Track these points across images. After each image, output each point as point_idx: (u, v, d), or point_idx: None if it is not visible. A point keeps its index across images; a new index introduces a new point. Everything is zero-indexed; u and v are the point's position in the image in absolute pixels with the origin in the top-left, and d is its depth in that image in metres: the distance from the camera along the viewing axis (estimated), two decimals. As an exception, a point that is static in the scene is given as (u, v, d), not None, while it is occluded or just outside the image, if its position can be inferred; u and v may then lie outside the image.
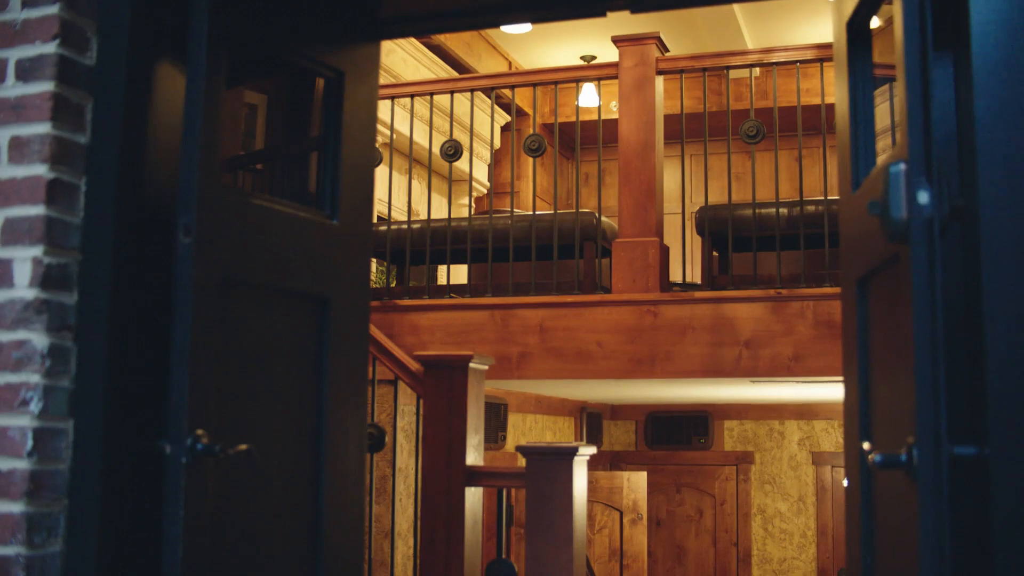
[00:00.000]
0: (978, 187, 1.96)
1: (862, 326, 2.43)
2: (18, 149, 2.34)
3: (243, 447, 2.41)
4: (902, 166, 1.95)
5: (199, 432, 2.30)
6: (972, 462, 1.95)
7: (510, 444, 6.80)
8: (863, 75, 2.55)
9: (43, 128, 2.32)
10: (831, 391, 6.96)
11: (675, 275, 7.63)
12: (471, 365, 4.26)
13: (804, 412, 9.16)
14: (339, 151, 2.84)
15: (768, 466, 9.24)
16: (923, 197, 1.93)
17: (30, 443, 2.25)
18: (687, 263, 5.73)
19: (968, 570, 1.96)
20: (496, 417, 6.59)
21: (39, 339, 2.28)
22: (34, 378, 2.27)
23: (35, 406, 2.27)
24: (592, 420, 8.91)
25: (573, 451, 4.01)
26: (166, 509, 2.28)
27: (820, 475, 9.09)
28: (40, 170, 2.31)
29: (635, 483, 7.80)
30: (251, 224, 2.57)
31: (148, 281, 2.44)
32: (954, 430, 1.98)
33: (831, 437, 9.11)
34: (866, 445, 2.13)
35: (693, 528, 9.31)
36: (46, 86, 2.32)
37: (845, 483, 6.89)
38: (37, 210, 2.30)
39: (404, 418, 5.08)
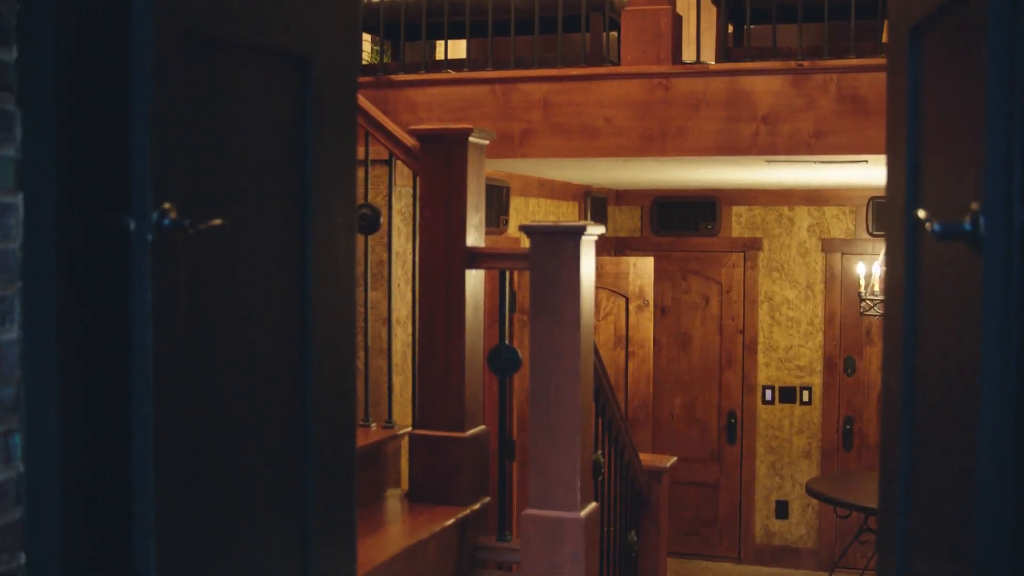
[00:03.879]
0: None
1: (914, 80, 2.14)
2: None
3: (216, 221, 2.16)
4: None
5: (166, 206, 2.05)
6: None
7: (512, 228, 6.58)
8: None
9: None
10: (849, 173, 6.70)
11: (687, 55, 7.27)
12: (471, 139, 3.98)
13: (814, 198, 8.91)
14: None
15: (776, 253, 9.05)
16: (1005, -83, 1.62)
17: (-28, 218, 2.00)
18: (700, 46, 5.37)
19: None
20: (498, 200, 6.35)
21: (-25, 100, 2.00)
22: (-28, 145, 2.00)
23: (-25, 176, 2.00)
24: (596, 205, 8.66)
25: (580, 230, 3.77)
26: (132, 293, 2.06)
27: (829, 262, 8.91)
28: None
29: (641, 269, 7.63)
30: (217, -30, 2.25)
31: (101, 37, 2.14)
32: (1024, 196, 1.72)
33: (841, 224, 8.89)
34: (921, 213, 1.88)
35: (699, 315, 9.19)
36: None
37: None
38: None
39: (401, 200, 4.83)
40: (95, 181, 2.13)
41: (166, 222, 2.05)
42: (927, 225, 1.76)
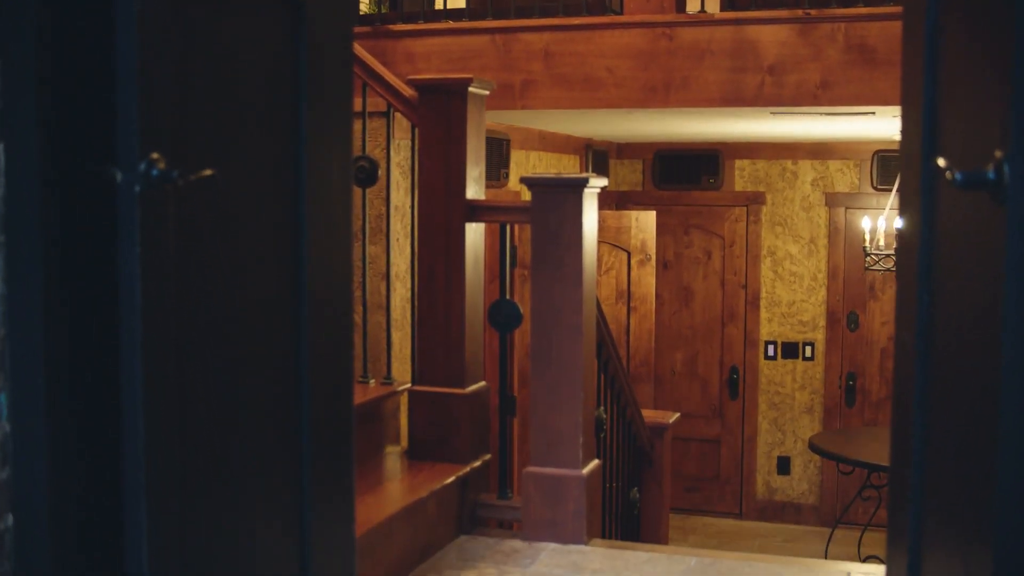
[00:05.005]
0: None
1: (932, 20, 2.05)
2: None
3: (207, 172, 2.08)
4: None
5: (154, 156, 1.97)
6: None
7: (513, 182, 6.49)
8: None
9: None
10: (855, 126, 6.60)
11: (692, 6, 7.15)
12: (471, 89, 3.88)
13: (819, 151, 8.81)
14: None
15: (779, 207, 8.96)
16: None
17: (-50, 169, 1.92)
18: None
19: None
20: (498, 153, 6.25)
21: (-48, 45, 1.91)
22: (-51, 93, 1.92)
23: (-48, 126, 1.92)
24: (598, 158, 8.56)
25: (583, 183, 3.69)
26: (119, 247, 1.99)
27: (833, 216, 8.83)
28: None
29: (643, 223, 7.55)
30: (205, -91, 2.15)
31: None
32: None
33: (846, 177, 8.80)
34: (941, 161, 1.80)
35: (701, 270, 9.12)
36: None
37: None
38: None
39: (400, 153, 4.74)
40: (81, 131, 2.05)
41: (154, 172, 1.97)
42: (947, 174, 1.68)
